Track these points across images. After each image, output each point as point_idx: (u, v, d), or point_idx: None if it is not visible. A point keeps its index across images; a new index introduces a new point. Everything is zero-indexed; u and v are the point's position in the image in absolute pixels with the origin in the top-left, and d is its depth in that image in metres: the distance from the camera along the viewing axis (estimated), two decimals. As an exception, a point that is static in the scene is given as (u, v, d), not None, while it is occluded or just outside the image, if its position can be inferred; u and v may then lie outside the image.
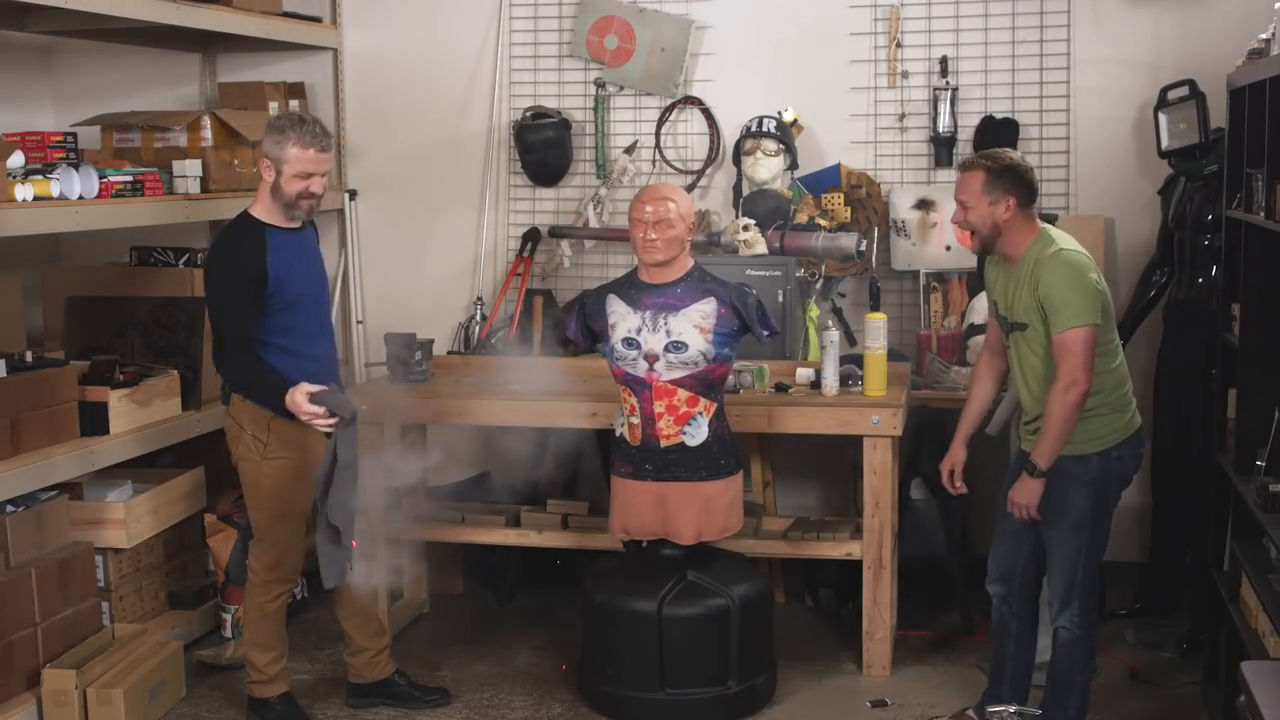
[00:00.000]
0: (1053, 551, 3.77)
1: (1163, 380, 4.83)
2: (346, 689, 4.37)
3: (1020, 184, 3.67)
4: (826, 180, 5.27)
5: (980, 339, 4.85)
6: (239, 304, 3.83)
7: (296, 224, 3.98)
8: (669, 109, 5.44)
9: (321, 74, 5.76)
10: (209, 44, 5.64)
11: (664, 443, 4.05)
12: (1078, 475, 3.69)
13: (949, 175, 5.23)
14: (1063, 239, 3.70)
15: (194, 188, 4.80)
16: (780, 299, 4.76)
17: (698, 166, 5.44)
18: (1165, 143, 4.71)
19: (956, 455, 4.04)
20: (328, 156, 3.94)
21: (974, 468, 5.31)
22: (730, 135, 5.33)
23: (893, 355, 4.88)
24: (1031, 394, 3.76)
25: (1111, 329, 3.74)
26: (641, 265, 4.10)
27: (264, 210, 3.94)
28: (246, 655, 4.17)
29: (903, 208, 5.22)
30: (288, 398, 3.77)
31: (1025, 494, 3.71)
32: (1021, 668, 3.98)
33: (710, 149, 5.43)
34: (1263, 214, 3.54)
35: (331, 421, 3.77)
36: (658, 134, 5.45)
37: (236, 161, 5.05)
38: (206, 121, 4.90)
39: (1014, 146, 5.11)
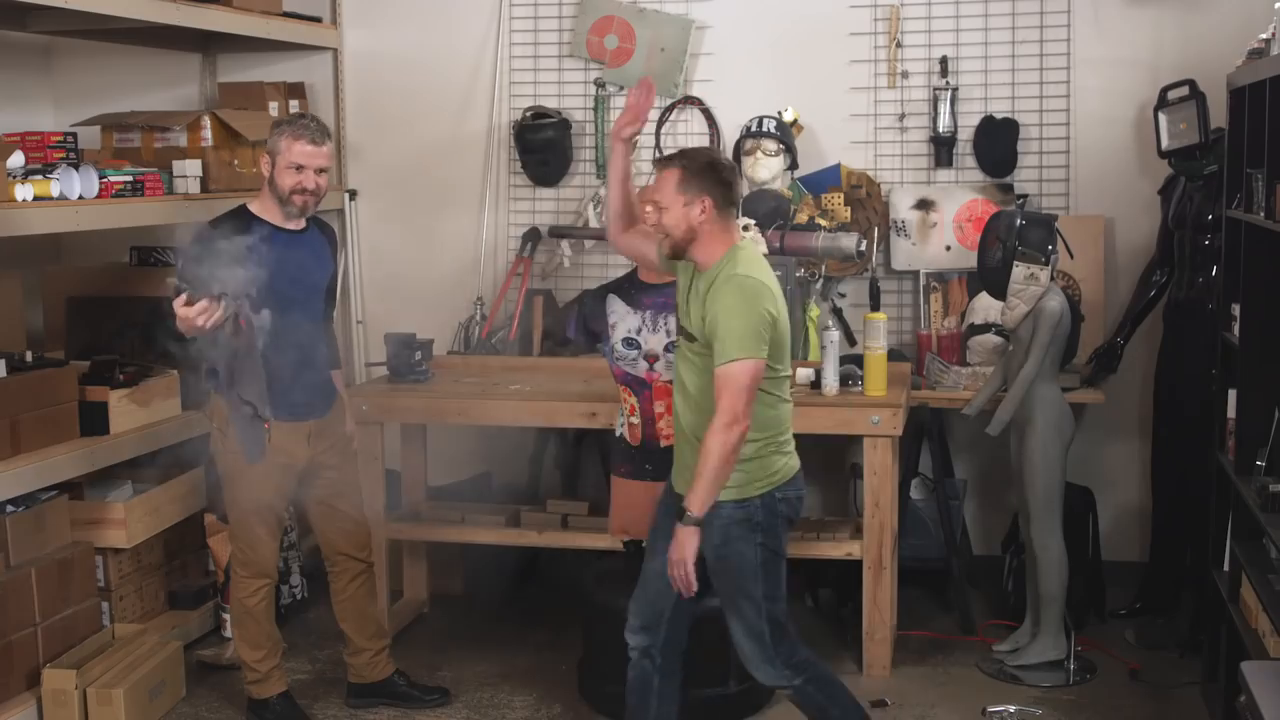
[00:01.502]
0: (730, 613, 3.45)
1: (1163, 380, 4.83)
2: (347, 689, 4.38)
3: (718, 184, 3.34)
4: (826, 180, 5.27)
5: (980, 339, 4.87)
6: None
7: (295, 223, 3.98)
8: (669, 109, 5.44)
9: (321, 74, 5.76)
10: (209, 44, 5.64)
11: (664, 443, 4.04)
12: (741, 520, 3.37)
13: (949, 175, 5.24)
14: (750, 263, 3.35)
15: (194, 188, 4.80)
16: (780, 299, 4.76)
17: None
18: (1165, 143, 4.70)
19: None
20: (321, 151, 3.94)
21: (971, 465, 5.34)
22: (730, 135, 5.33)
23: (893, 355, 4.89)
24: (684, 408, 3.46)
25: (784, 365, 3.41)
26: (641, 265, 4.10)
27: (260, 206, 3.98)
28: (238, 653, 4.18)
29: (903, 208, 5.22)
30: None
31: (681, 548, 3.29)
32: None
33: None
34: (1263, 214, 3.54)
35: (208, 312, 3.62)
36: (658, 134, 5.45)
37: (236, 161, 5.05)
38: (206, 121, 4.90)
39: (1014, 147, 5.14)
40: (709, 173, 3.36)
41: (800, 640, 3.58)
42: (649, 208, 3.49)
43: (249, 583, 4.07)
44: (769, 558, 3.42)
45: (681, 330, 3.49)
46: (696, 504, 3.28)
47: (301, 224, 4.02)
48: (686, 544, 3.30)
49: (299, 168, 3.90)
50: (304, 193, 3.92)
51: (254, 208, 3.98)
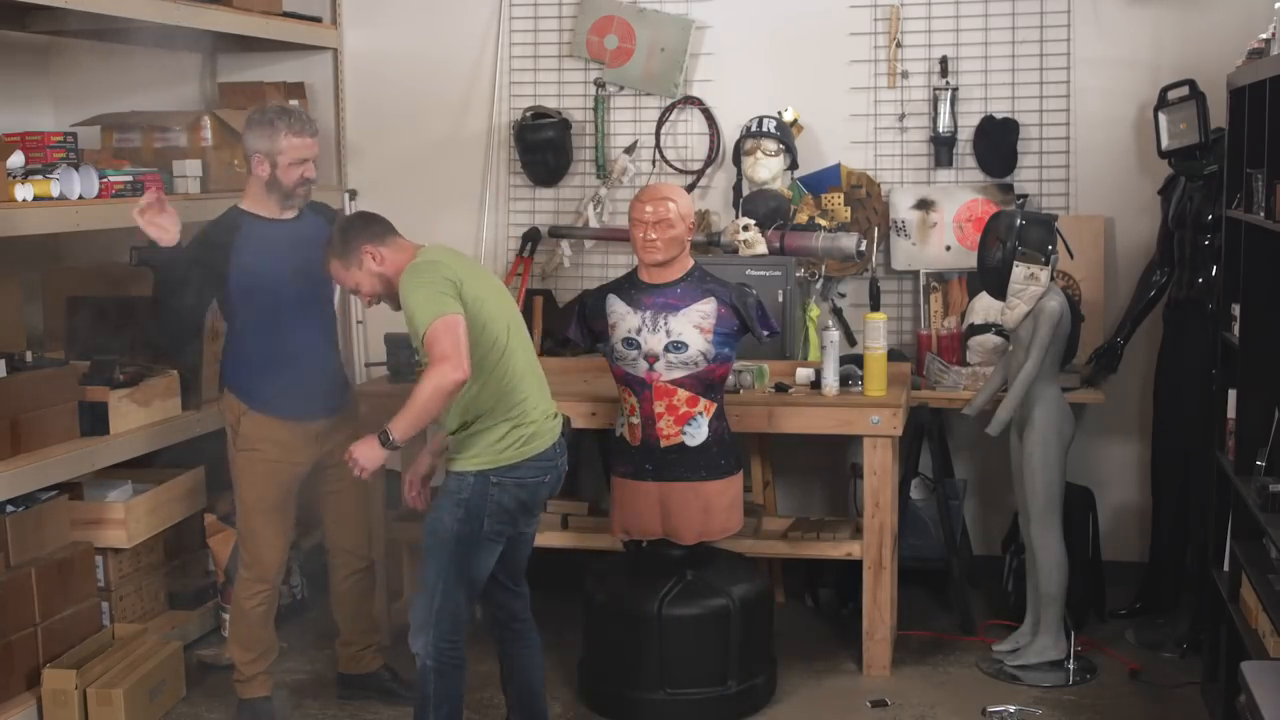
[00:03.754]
0: (419, 567, 3.61)
1: (1163, 380, 4.83)
2: (337, 678, 4.43)
3: (361, 233, 3.56)
4: (826, 180, 5.27)
5: (980, 339, 4.87)
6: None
7: (293, 212, 4.02)
8: (669, 109, 5.44)
9: (321, 74, 5.75)
10: (209, 44, 5.64)
11: (664, 443, 4.05)
12: (451, 491, 3.53)
13: (949, 175, 5.24)
14: (429, 250, 3.58)
15: (194, 188, 4.80)
16: (780, 299, 4.76)
17: (698, 166, 5.44)
18: (1165, 143, 4.70)
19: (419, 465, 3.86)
20: (315, 141, 4.01)
21: (971, 465, 5.34)
22: (730, 135, 5.33)
23: (893, 355, 4.89)
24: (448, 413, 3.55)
25: (490, 336, 3.51)
26: (641, 265, 4.10)
27: (252, 203, 4.01)
28: (230, 650, 4.20)
29: (903, 208, 5.22)
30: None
31: (367, 455, 3.44)
32: (528, 685, 3.83)
33: (710, 149, 5.43)
34: (1263, 214, 3.54)
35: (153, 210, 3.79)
36: (658, 134, 5.45)
37: (236, 161, 5.05)
38: (206, 121, 4.91)
39: (1014, 146, 5.14)
40: (346, 235, 3.59)
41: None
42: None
43: (250, 585, 4.08)
44: (466, 537, 3.52)
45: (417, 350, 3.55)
46: (397, 428, 3.39)
47: (295, 212, 4.05)
48: (373, 456, 3.44)
49: (301, 161, 3.95)
50: (306, 183, 3.99)
51: (246, 205, 4.02)
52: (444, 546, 3.53)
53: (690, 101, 5.43)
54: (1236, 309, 3.89)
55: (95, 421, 4.39)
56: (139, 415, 4.54)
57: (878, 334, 4.47)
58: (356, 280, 3.60)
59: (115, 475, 4.60)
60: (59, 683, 4.01)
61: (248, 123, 4.00)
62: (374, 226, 3.62)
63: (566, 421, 3.74)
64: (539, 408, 3.62)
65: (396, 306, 3.59)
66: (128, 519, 4.48)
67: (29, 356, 4.36)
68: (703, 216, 5.25)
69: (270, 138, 3.92)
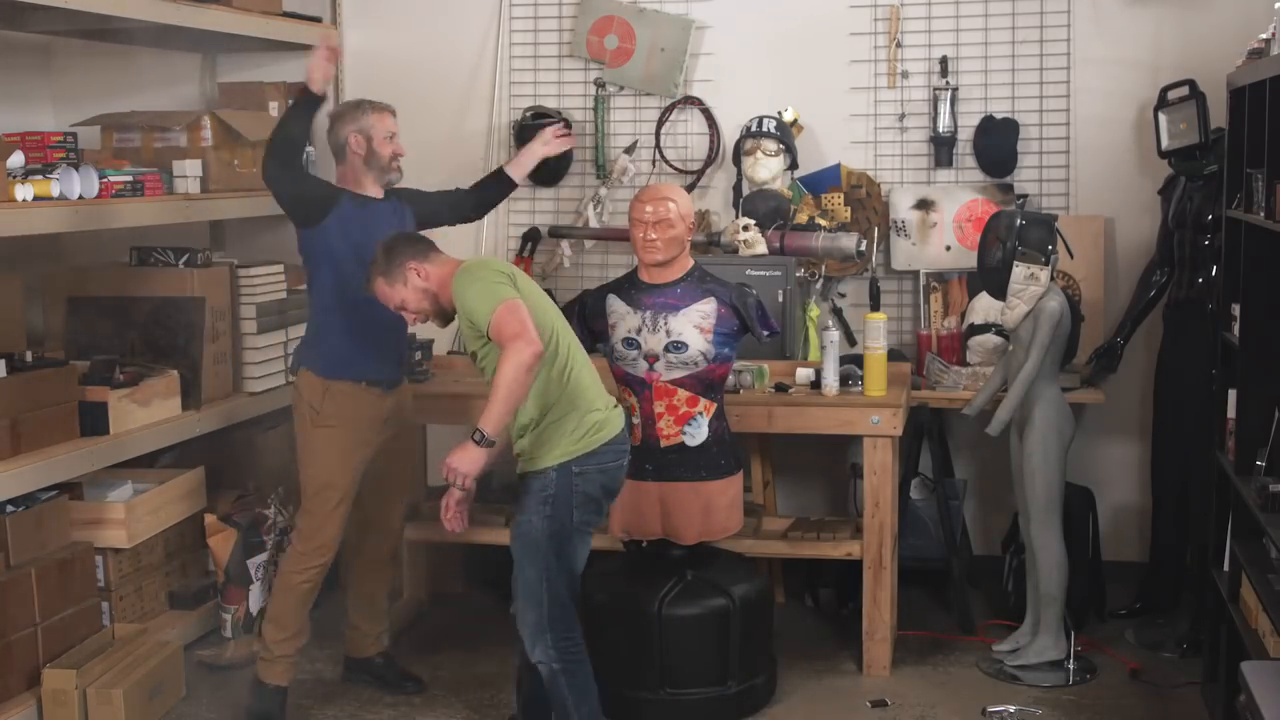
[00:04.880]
0: (517, 576, 3.59)
1: (1163, 380, 4.83)
2: (343, 659, 4.54)
3: (406, 249, 3.62)
4: (826, 180, 5.27)
5: (980, 339, 4.87)
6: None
7: (376, 191, 4.18)
8: (669, 109, 5.44)
9: (321, 74, 5.75)
10: (209, 44, 5.64)
11: (664, 443, 4.05)
12: (535, 491, 3.54)
13: (949, 175, 5.24)
14: (472, 259, 3.65)
15: (194, 188, 4.80)
16: (780, 299, 4.76)
17: (698, 166, 5.44)
18: (1165, 143, 4.70)
19: None
20: (394, 121, 4.26)
21: (971, 465, 5.34)
22: (730, 135, 5.33)
23: (893, 355, 4.89)
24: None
25: (546, 327, 3.54)
26: (641, 265, 4.10)
27: (347, 183, 4.19)
28: (262, 628, 4.24)
29: (903, 208, 5.22)
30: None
31: (465, 460, 3.42)
32: (534, 692, 3.76)
33: (710, 149, 5.43)
34: (1263, 214, 3.54)
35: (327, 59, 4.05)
36: (658, 134, 5.45)
37: (236, 161, 5.05)
38: (206, 121, 4.91)
39: (1014, 147, 5.14)
40: (390, 253, 3.63)
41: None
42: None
43: (304, 559, 4.14)
44: (557, 533, 3.55)
45: (471, 358, 3.63)
46: (489, 422, 3.40)
47: (381, 193, 4.20)
48: (473, 459, 3.43)
49: (392, 136, 4.18)
50: (398, 158, 4.21)
51: (341, 184, 4.18)
52: (539, 548, 3.54)
53: (690, 101, 5.43)
54: (1236, 309, 3.89)
55: (95, 421, 4.39)
56: (139, 415, 4.54)
57: (878, 334, 4.48)
58: (402, 297, 3.63)
59: (115, 475, 4.61)
60: (59, 683, 4.01)
61: (334, 116, 4.23)
62: (418, 245, 3.67)
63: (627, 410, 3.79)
64: (601, 397, 3.67)
65: (443, 323, 3.68)
66: (128, 519, 4.48)
67: (29, 356, 4.35)
68: (703, 216, 5.25)
69: (360, 117, 4.15)
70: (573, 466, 3.55)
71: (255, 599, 4.72)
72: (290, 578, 4.15)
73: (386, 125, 4.19)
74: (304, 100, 4.09)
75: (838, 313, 5.27)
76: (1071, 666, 4.44)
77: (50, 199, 4.12)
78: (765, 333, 4.10)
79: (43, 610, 4.11)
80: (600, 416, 3.61)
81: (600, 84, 5.49)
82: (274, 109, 5.45)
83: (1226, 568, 3.97)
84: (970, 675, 4.50)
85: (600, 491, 3.62)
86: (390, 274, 3.62)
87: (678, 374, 4.02)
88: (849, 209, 5.18)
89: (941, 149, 5.20)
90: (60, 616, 4.18)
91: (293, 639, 4.16)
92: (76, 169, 4.25)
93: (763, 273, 4.75)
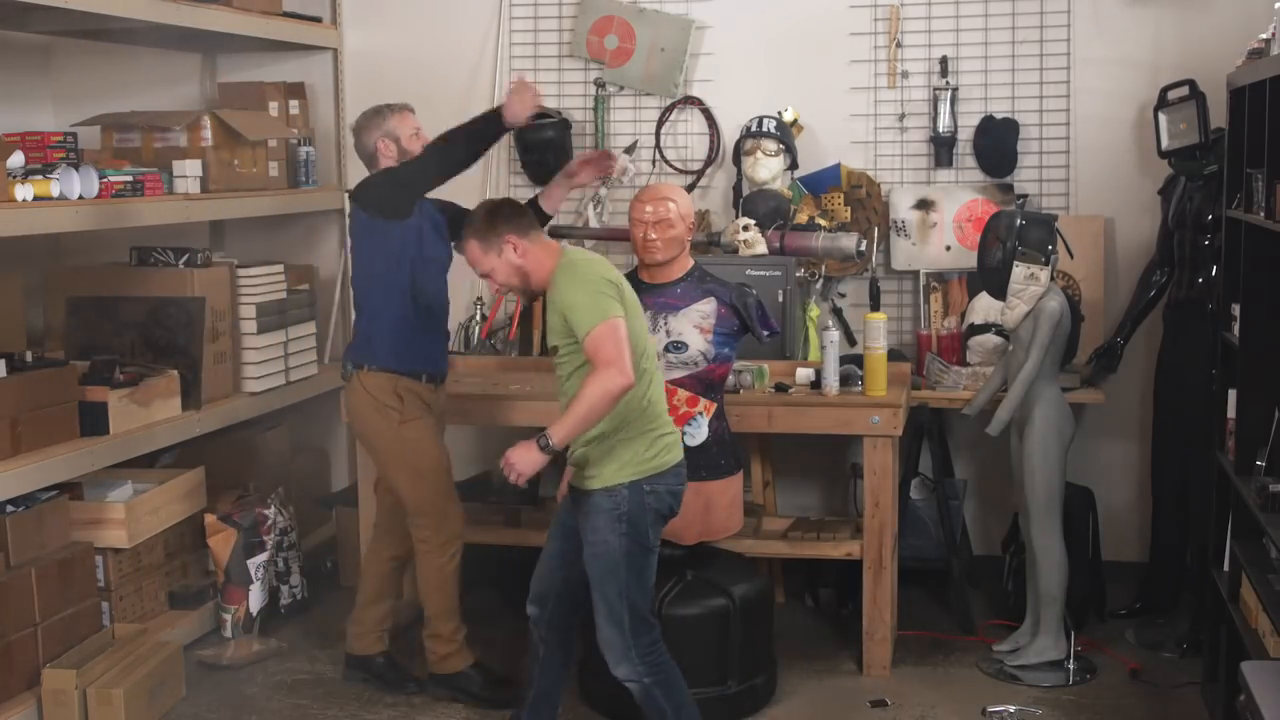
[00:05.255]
0: (596, 598, 3.56)
1: (1163, 380, 4.83)
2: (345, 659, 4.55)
3: (507, 222, 3.55)
4: (826, 180, 5.27)
5: (980, 339, 4.87)
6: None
7: None
8: (669, 109, 5.44)
9: (321, 74, 5.75)
10: (209, 44, 5.64)
11: (664, 443, 4.05)
12: (606, 509, 3.50)
13: (949, 175, 5.24)
14: (574, 252, 3.59)
15: (194, 188, 4.80)
16: (780, 299, 4.76)
17: (698, 166, 5.44)
18: (1165, 143, 4.70)
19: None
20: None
21: (971, 465, 5.34)
22: (730, 135, 5.33)
23: (893, 355, 4.89)
24: (564, 396, 3.56)
25: (640, 344, 3.53)
26: (641, 265, 4.11)
27: None
28: (430, 629, 4.32)
29: (903, 208, 5.22)
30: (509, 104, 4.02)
31: (524, 460, 3.40)
32: (543, 692, 3.80)
33: (710, 149, 5.43)
34: (1263, 214, 3.54)
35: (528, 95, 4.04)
36: (658, 134, 5.45)
37: (237, 161, 5.05)
38: (206, 121, 4.91)
39: (1014, 147, 5.14)
40: (493, 218, 3.57)
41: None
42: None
43: (446, 548, 4.24)
44: (634, 550, 3.52)
45: (550, 351, 3.60)
46: (558, 432, 3.40)
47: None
48: (532, 461, 3.42)
49: (417, 132, 4.26)
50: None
51: None
52: (618, 566, 3.51)
53: (690, 101, 5.43)
54: (1236, 309, 3.89)
55: (95, 421, 4.39)
56: (139, 415, 4.54)
57: (878, 334, 4.47)
58: (492, 266, 3.57)
59: (115, 475, 4.61)
60: (59, 683, 4.01)
61: (358, 129, 4.30)
62: (521, 218, 3.59)
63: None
64: (668, 418, 3.64)
65: (528, 300, 3.67)
66: (128, 519, 4.48)
67: (29, 356, 4.35)
68: (703, 216, 5.25)
69: (383, 122, 4.23)
70: (644, 485, 3.51)
71: (255, 599, 4.72)
72: (443, 569, 4.25)
73: (409, 124, 4.25)
74: (489, 125, 4.05)
75: (838, 313, 5.27)
76: (1071, 666, 4.44)
77: (50, 199, 4.12)
78: (765, 333, 4.10)
79: (43, 610, 4.11)
80: (671, 439, 3.60)
81: (600, 84, 5.49)
82: (274, 109, 5.45)
83: (1226, 568, 3.97)
84: (970, 675, 4.50)
85: (668, 511, 3.60)
86: (487, 240, 3.56)
87: (678, 374, 4.02)
88: (849, 209, 5.18)
89: (941, 149, 5.21)
90: (60, 616, 4.18)
91: (462, 623, 4.30)
92: (76, 169, 4.25)
93: (763, 273, 4.75)
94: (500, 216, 3.58)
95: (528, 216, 3.64)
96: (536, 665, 3.81)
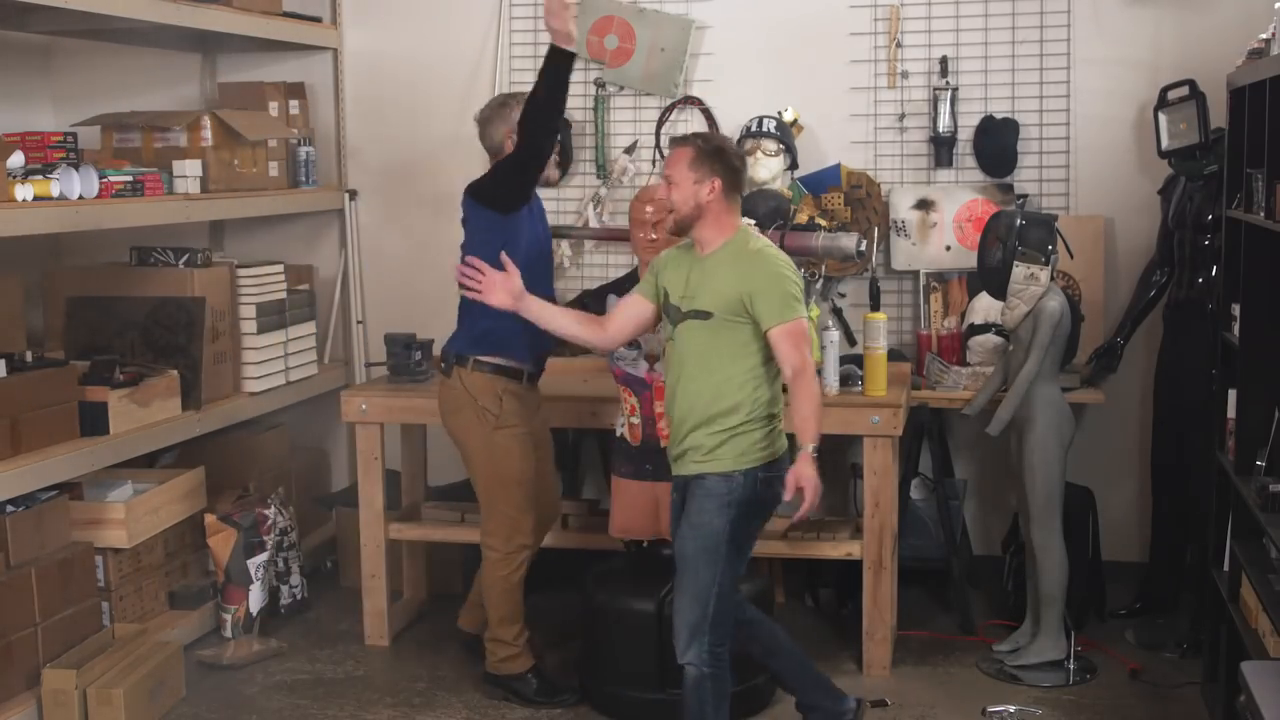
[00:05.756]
0: (685, 574, 3.56)
1: (1163, 380, 4.83)
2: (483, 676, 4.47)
3: (728, 168, 3.53)
4: (826, 180, 5.27)
5: (980, 339, 4.87)
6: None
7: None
8: (669, 109, 5.44)
9: (321, 74, 5.75)
10: (209, 44, 5.64)
11: (665, 443, 4.05)
12: (718, 494, 3.51)
13: (949, 175, 5.24)
14: (762, 240, 3.61)
15: (194, 188, 4.80)
16: (780, 299, 4.76)
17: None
18: (1165, 143, 4.71)
19: None
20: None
21: (971, 465, 5.34)
22: (730, 135, 5.32)
23: (893, 355, 4.88)
24: (687, 384, 3.56)
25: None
26: (642, 265, 4.10)
27: None
28: (491, 633, 4.31)
29: (903, 208, 5.22)
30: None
31: (814, 478, 3.46)
32: (793, 669, 3.86)
33: (710, 149, 5.42)
34: (1263, 214, 3.54)
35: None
36: (658, 134, 5.45)
37: (237, 161, 5.05)
38: (206, 121, 4.91)
39: (1014, 147, 5.14)
40: (720, 156, 3.53)
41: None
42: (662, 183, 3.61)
43: (514, 557, 4.23)
44: (738, 537, 3.54)
45: (690, 314, 3.54)
46: (815, 437, 3.48)
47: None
48: (815, 473, 3.47)
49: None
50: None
51: None
52: (718, 550, 3.51)
53: (690, 101, 5.42)
54: (1236, 309, 3.89)
55: (95, 421, 4.39)
56: (139, 415, 4.54)
57: (878, 334, 4.47)
58: (682, 180, 3.52)
59: (115, 475, 4.61)
60: (59, 683, 4.01)
61: (484, 120, 4.26)
62: (737, 176, 3.57)
63: None
64: (782, 406, 3.67)
65: (674, 233, 3.63)
66: (128, 519, 4.48)
67: (29, 356, 4.35)
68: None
69: (509, 114, 4.13)
70: (759, 472, 3.53)
71: (255, 599, 4.71)
72: (509, 578, 4.24)
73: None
74: (550, 62, 3.98)
75: (838, 313, 5.27)
76: (1071, 666, 4.44)
77: (50, 199, 4.12)
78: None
79: (43, 610, 4.11)
80: (782, 427, 3.63)
81: (600, 84, 5.49)
82: (274, 109, 5.45)
83: (1226, 568, 3.97)
84: (970, 675, 4.50)
85: (774, 501, 3.62)
86: (700, 163, 3.51)
87: (679, 374, 4.01)
88: (849, 209, 5.19)
89: (941, 149, 5.20)
90: (60, 616, 4.18)
91: (525, 628, 4.31)
92: (76, 169, 4.25)
93: (763, 273, 4.74)
94: (727, 158, 3.55)
95: (742, 182, 3.63)
96: (768, 657, 3.85)
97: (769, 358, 3.53)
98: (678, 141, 3.63)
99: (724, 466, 3.52)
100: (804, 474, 3.45)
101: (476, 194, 4.17)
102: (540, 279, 4.12)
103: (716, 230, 3.55)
